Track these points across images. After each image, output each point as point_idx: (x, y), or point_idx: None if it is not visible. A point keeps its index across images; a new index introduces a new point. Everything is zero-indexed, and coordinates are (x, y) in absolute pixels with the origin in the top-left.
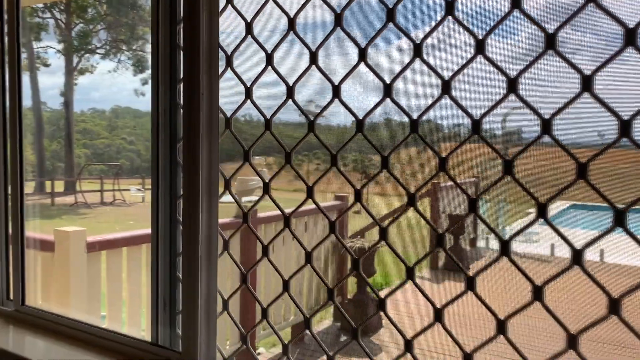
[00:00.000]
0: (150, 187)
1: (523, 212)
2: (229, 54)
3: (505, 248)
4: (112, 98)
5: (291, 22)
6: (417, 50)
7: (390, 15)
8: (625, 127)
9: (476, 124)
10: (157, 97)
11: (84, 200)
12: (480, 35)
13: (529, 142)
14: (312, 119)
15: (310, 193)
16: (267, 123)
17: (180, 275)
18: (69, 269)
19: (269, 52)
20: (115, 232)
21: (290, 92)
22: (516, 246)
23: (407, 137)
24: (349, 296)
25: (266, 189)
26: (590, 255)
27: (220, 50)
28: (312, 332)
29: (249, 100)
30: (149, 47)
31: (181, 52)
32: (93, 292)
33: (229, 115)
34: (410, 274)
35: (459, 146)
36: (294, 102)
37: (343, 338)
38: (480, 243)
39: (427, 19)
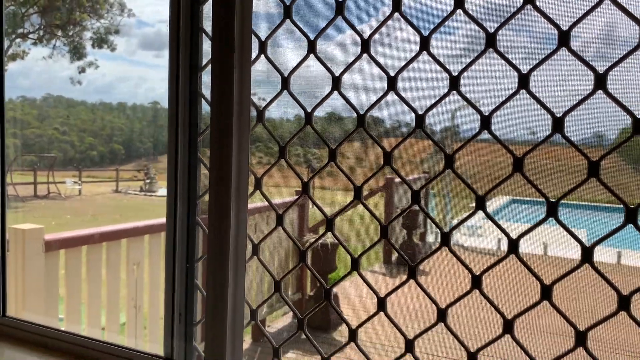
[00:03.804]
0: (85, 179)
1: (466, 206)
2: (263, 39)
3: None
4: (43, 86)
5: None
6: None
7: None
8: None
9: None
10: (177, 86)
11: (15, 192)
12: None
13: (470, 137)
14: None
15: (258, 184)
16: (308, 117)
17: (200, 283)
18: (24, 270)
19: None
20: (58, 229)
21: None
22: (462, 240)
23: (354, 131)
24: (310, 293)
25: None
26: (535, 249)
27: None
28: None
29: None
30: (87, 34)
31: (203, 35)
32: (51, 294)
33: (261, 108)
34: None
35: (403, 141)
36: None
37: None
38: (430, 237)
39: (370, 14)
